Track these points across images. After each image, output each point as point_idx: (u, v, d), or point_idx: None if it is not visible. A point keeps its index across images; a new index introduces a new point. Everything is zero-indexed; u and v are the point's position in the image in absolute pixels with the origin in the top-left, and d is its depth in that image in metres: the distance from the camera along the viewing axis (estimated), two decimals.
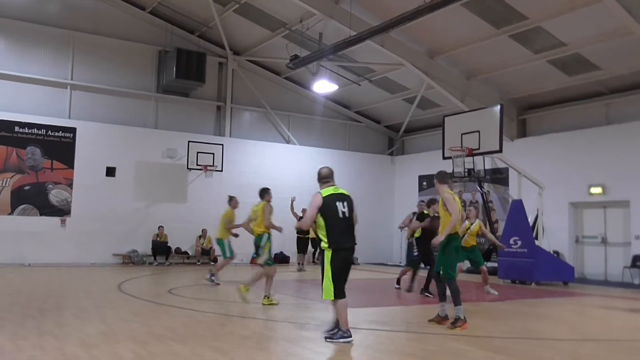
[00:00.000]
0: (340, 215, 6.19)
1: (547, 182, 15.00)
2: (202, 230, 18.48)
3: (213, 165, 18.49)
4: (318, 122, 21.79)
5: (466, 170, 14.09)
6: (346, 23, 15.04)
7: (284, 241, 16.56)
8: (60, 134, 17.05)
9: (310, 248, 18.30)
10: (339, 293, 6.15)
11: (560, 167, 16.41)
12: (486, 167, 16.78)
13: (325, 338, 6.21)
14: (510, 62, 16.19)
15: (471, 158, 14.03)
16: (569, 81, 16.21)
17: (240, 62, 20.19)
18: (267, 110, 20.68)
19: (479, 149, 13.48)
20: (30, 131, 16.67)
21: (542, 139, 17.48)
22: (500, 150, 13.15)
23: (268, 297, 9.01)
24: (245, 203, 18.74)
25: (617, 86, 15.89)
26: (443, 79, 17.41)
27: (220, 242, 12.23)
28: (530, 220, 14.45)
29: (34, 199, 16.60)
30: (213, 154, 18.49)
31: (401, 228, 12.17)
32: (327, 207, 6.17)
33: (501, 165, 17.21)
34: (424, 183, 21.23)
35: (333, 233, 6.15)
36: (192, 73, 18.19)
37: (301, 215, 15.01)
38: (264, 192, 9.55)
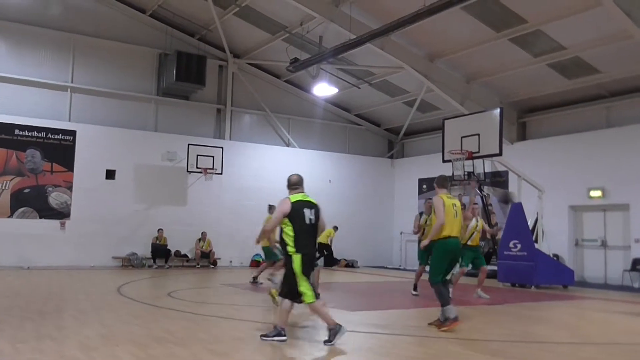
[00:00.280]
0: (307, 221, 6.35)
1: (546, 186, 15.00)
2: (202, 233, 18.45)
3: (213, 168, 18.45)
4: (318, 125, 21.76)
5: (466, 173, 14.08)
6: (346, 26, 15.06)
7: None
8: (60, 136, 17.06)
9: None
10: (316, 294, 6.31)
11: (560, 171, 16.42)
12: (486, 170, 16.78)
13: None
14: (510, 65, 16.21)
15: (471, 161, 14.03)
16: (569, 84, 16.23)
17: (241, 65, 20.20)
18: (267, 113, 20.67)
19: (478, 152, 13.46)
20: (30, 134, 16.67)
21: (542, 142, 17.50)
22: (500, 154, 13.14)
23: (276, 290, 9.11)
24: (246, 206, 18.94)
25: (617, 89, 15.91)
26: (443, 82, 17.44)
27: (266, 249, 12.21)
28: (530, 223, 14.45)
29: (34, 202, 16.59)
30: (213, 156, 18.45)
31: (416, 233, 11.55)
32: (295, 212, 6.32)
33: (501, 168, 17.22)
34: (424, 186, 21.21)
35: (300, 238, 6.30)
36: (192, 76, 18.18)
37: None
38: (272, 208, 10.10)
